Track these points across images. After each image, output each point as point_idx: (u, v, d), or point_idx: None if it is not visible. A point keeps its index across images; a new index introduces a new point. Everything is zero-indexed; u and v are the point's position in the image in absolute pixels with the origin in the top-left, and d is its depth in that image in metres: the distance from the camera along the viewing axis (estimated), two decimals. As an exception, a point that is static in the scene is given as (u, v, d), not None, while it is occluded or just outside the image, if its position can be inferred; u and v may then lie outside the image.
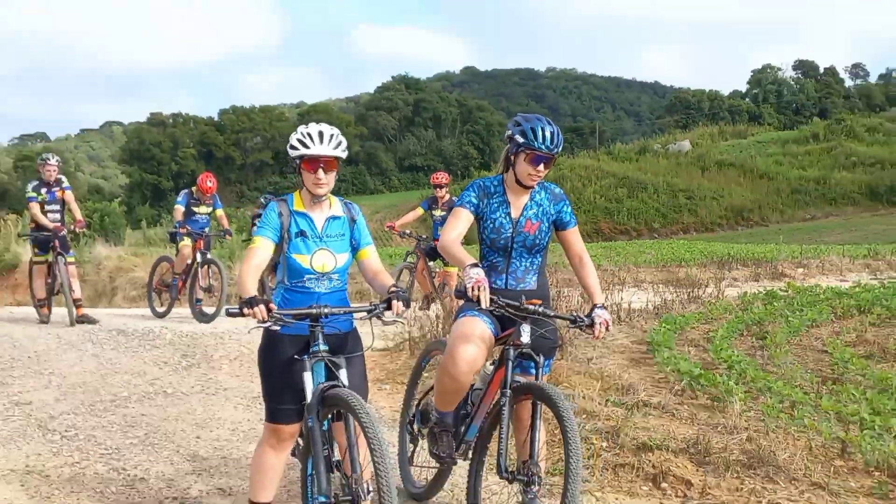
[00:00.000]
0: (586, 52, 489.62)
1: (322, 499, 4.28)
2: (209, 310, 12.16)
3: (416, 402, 5.75)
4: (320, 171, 4.50)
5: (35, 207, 12.11)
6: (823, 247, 27.60)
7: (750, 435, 6.48)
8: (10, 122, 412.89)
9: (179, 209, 12.58)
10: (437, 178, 12.70)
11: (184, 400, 8.08)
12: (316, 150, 4.45)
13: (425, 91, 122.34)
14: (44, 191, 12.14)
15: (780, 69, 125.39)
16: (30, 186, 12.37)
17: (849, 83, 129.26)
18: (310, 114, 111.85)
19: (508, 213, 4.91)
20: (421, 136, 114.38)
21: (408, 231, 12.62)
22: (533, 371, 4.78)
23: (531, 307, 4.64)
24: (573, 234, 5.02)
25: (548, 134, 4.67)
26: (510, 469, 4.57)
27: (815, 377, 8.58)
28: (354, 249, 4.77)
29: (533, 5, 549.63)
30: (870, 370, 8.74)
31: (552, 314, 4.80)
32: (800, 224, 63.29)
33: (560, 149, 4.79)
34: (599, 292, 4.97)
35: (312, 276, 4.60)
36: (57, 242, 12.07)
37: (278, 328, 4.43)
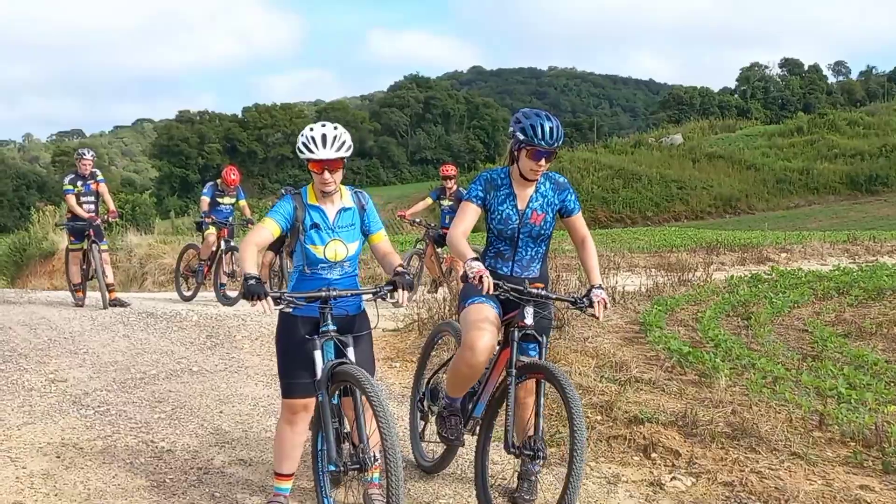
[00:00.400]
0: (585, 52, 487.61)
1: (332, 467, 4.34)
2: (232, 293, 12.17)
3: (425, 381, 5.69)
4: (326, 173, 4.50)
5: (71, 199, 12.16)
6: (806, 233, 27.60)
7: (734, 408, 6.49)
8: (49, 120, 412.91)
9: (205, 200, 12.65)
10: (446, 170, 12.75)
11: (208, 377, 8.10)
12: (320, 154, 4.43)
13: (435, 89, 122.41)
14: (79, 183, 12.20)
15: (767, 67, 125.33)
16: (66, 179, 12.45)
17: (832, 80, 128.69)
18: (327, 111, 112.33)
19: (515, 205, 4.86)
20: (431, 131, 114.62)
21: (417, 219, 12.64)
22: (533, 352, 4.80)
23: (534, 290, 4.65)
24: (577, 220, 5.00)
25: (547, 130, 4.57)
26: (516, 444, 4.57)
27: (796, 354, 8.59)
28: (366, 235, 4.77)
29: (535, 8, 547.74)
30: (847, 348, 8.75)
31: (554, 297, 4.84)
32: (784, 212, 63.18)
33: (560, 143, 4.71)
34: (598, 274, 4.91)
35: (325, 264, 4.61)
36: (91, 231, 12.15)
37: (290, 310, 4.49)
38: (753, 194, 68.67)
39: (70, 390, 7.56)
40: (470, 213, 4.84)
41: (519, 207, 4.87)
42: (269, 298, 4.26)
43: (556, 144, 4.64)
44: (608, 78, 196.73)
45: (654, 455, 5.77)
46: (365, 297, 4.71)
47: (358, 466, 4.27)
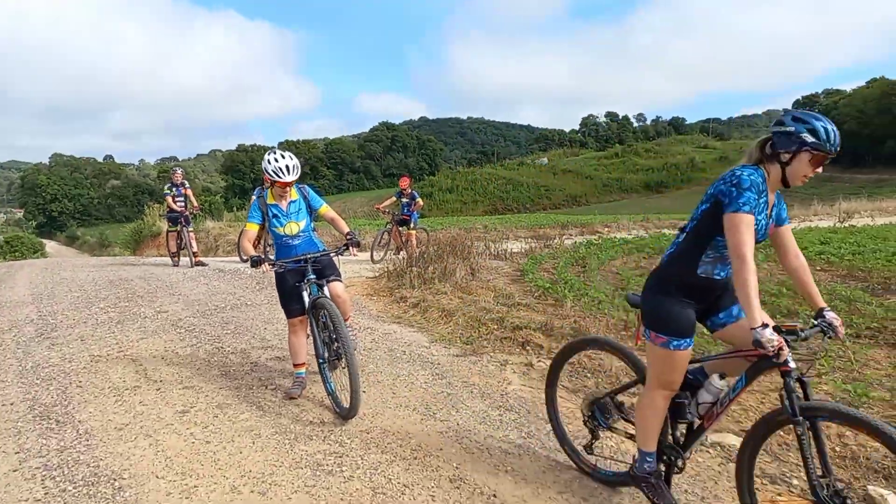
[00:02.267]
0: (491, 106, 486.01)
1: (321, 360, 4.41)
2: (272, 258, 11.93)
3: (588, 402, 3.36)
4: (287, 189, 4.48)
5: (169, 199, 11.83)
6: (620, 216, 27.86)
7: (576, 319, 6.50)
8: (156, 150, 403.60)
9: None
10: (402, 183, 12.58)
11: (257, 308, 7.93)
12: (286, 179, 4.38)
13: (398, 130, 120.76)
14: (173, 189, 11.87)
15: (597, 116, 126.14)
16: (165, 186, 12.05)
17: (636, 124, 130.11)
18: (332, 144, 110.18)
19: (766, 215, 2.60)
20: (395, 157, 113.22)
21: (387, 210, 12.48)
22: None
23: (790, 329, 2.44)
24: (788, 231, 2.71)
25: (832, 133, 2.44)
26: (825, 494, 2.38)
27: (612, 287, 8.62)
28: (315, 210, 4.67)
29: (462, 79, 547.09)
30: (641, 282, 8.80)
31: (805, 334, 2.47)
32: (607, 204, 64.06)
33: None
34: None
35: (288, 237, 4.57)
36: (182, 219, 11.82)
37: (282, 269, 4.49)
38: (590, 194, 69.64)
39: (170, 318, 7.37)
40: (751, 229, 2.45)
41: (768, 216, 2.63)
42: (267, 264, 4.28)
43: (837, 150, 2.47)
44: (504, 123, 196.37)
45: (528, 348, 5.81)
46: (332, 255, 4.65)
47: (337, 357, 4.28)
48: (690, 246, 2.68)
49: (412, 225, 12.14)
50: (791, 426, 2.45)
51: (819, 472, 2.37)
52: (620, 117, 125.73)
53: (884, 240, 12.21)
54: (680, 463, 2.84)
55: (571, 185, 71.16)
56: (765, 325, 2.36)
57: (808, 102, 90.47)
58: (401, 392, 4.70)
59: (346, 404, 4.12)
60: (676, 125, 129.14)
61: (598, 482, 3.25)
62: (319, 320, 4.41)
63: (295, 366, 4.76)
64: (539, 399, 4.59)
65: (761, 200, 2.54)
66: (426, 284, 8.49)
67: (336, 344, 4.23)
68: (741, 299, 2.40)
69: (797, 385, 2.43)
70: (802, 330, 2.45)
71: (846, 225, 16.82)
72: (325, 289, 4.53)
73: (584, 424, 3.33)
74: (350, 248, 4.51)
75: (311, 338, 4.61)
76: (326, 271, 4.65)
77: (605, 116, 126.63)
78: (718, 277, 2.69)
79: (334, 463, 3.53)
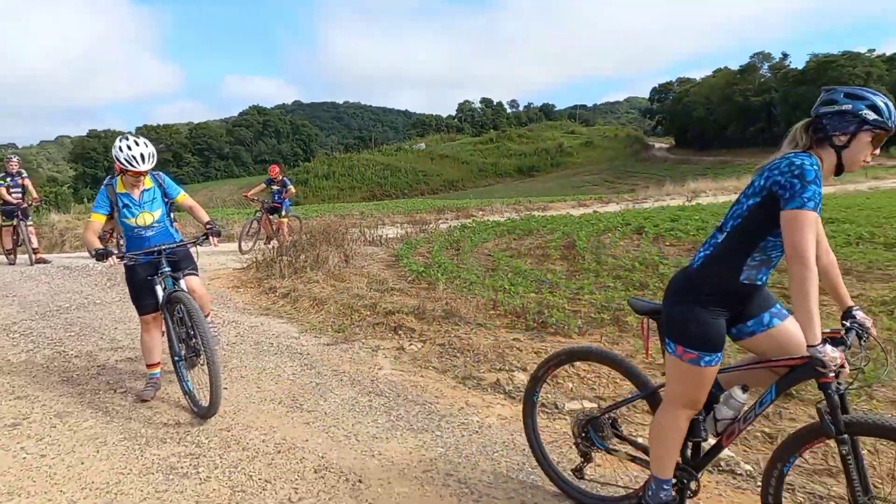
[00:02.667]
0: (367, 91, 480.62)
1: (177, 358, 4.17)
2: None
3: (583, 420, 2.88)
4: (140, 178, 4.20)
5: (2, 190, 10.58)
6: (494, 199, 28.65)
7: (448, 301, 6.57)
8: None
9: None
10: (271, 171, 12.07)
11: (108, 306, 7.32)
12: (140, 168, 4.11)
13: (270, 114, 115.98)
14: (9, 179, 10.68)
15: (473, 102, 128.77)
16: None
17: (509, 110, 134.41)
18: (197, 129, 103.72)
19: (820, 206, 2.12)
20: (268, 142, 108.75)
21: (256, 198, 11.97)
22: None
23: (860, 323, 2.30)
24: (820, 223, 2.31)
25: (892, 108, 2.12)
26: None
27: (484, 268, 8.81)
28: (171, 199, 4.40)
29: (335, 62, 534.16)
30: (511, 262, 9.11)
31: (868, 336, 2.31)
32: (483, 188, 65.77)
33: None
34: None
35: (140, 228, 4.29)
36: (19, 212, 10.66)
37: (132, 262, 4.23)
38: (466, 178, 71.14)
39: (0, 322, 6.61)
40: (815, 232, 2.10)
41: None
42: (115, 258, 4.02)
43: None
44: (381, 108, 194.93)
45: (400, 332, 5.81)
46: (189, 245, 4.40)
47: (194, 353, 4.07)
48: (734, 247, 2.26)
49: (283, 213, 11.75)
50: (830, 442, 2.18)
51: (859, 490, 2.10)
52: (495, 103, 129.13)
53: (722, 216, 13.57)
54: (693, 485, 2.50)
55: (449, 171, 72.31)
56: (824, 342, 2.03)
57: (664, 90, 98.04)
58: (266, 386, 4.54)
59: (204, 403, 3.92)
60: (547, 111, 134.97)
61: None
62: (175, 315, 4.16)
63: (148, 366, 4.45)
64: (409, 381, 4.64)
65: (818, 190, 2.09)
66: (297, 273, 8.27)
67: (194, 340, 4.02)
68: (801, 311, 2.04)
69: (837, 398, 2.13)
70: (846, 337, 2.20)
71: (693, 203, 18.51)
72: (182, 282, 4.27)
73: (577, 447, 2.88)
74: (210, 237, 4.29)
75: (165, 335, 4.33)
76: (182, 264, 4.39)
77: (481, 102, 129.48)
78: (760, 283, 2.32)
79: (190, 465, 3.35)
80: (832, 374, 2.04)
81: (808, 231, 2.05)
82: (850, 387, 2.28)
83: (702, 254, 2.35)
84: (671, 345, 2.34)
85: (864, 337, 2.28)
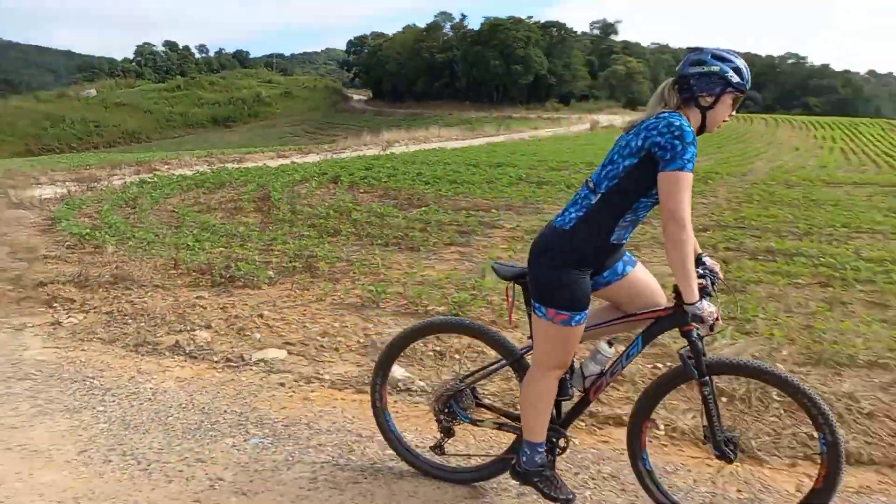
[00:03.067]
0: (12, 24, 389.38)
1: None
2: None
3: (445, 392, 2.69)
4: None
5: None
6: (184, 152, 26.00)
7: (118, 265, 5.96)
8: None
9: None
10: None
11: None
12: None
13: None
14: None
15: (154, 45, 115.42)
16: None
17: (198, 55, 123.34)
18: None
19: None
20: None
21: None
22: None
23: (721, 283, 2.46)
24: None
25: (749, 71, 2.21)
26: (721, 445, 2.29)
27: (167, 226, 8.11)
28: None
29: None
30: (199, 217, 8.42)
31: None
32: (171, 140, 59.63)
33: None
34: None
35: None
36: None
37: None
38: (151, 130, 63.63)
39: None
40: (689, 192, 2.12)
41: None
42: None
43: None
44: (35, 47, 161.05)
45: (55, 305, 5.05)
46: None
47: None
48: (608, 208, 2.22)
49: None
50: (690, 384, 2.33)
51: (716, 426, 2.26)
52: (181, 47, 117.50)
53: (412, 163, 14.67)
54: (562, 443, 2.54)
55: (128, 121, 63.61)
56: (701, 298, 2.12)
57: (359, 43, 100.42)
58: None
59: None
60: (241, 59, 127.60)
61: (454, 483, 2.69)
62: None
63: None
64: (66, 357, 4.06)
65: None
66: None
67: None
68: (679, 271, 2.09)
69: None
70: (707, 286, 2.29)
71: (387, 153, 19.57)
72: None
73: (438, 422, 2.70)
74: None
75: None
76: None
77: (164, 45, 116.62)
78: (623, 242, 2.34)
79: None
80: (708, 328, 2.13)
81: (687, 193, 2.07)
82: (722, 332, 2.38)
83: (573, 215, 2.28)
84: (541, 308, 2.29)
85: (715, 282, 2.40)
